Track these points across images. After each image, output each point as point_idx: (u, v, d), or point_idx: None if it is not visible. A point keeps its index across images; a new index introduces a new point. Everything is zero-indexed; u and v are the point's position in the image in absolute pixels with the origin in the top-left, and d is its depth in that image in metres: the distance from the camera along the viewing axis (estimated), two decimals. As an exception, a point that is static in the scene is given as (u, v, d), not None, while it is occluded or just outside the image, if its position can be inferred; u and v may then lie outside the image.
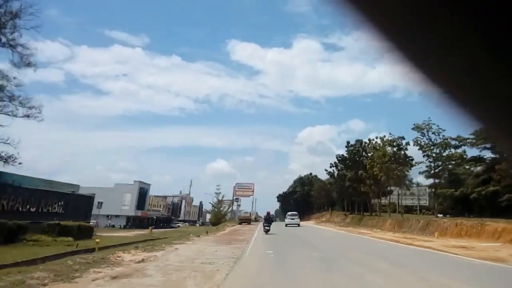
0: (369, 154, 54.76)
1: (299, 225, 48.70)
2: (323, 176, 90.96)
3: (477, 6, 0.60)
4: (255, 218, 72.58)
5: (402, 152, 47.42)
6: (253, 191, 73.89)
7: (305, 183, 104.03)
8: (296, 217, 50.49)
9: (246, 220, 61.61)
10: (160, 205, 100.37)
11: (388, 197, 51.82)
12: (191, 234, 31.14)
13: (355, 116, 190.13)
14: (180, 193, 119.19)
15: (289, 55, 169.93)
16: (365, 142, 54.26)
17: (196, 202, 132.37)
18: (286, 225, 48.13)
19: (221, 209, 65.37)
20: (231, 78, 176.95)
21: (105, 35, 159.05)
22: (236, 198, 72.15)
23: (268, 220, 32.33)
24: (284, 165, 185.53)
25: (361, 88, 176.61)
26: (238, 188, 72.65)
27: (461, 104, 0.72)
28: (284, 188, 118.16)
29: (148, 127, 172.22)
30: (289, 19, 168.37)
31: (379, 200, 54.71)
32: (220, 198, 65.19)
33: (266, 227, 30.96)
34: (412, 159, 48.42)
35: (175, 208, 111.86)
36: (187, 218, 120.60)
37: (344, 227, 50.07)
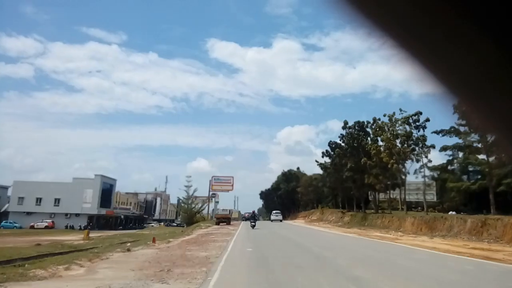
0: (372, 138, 42.63)
1: (281, 220, 57.48)
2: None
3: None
4: (244, 217, 60.41)
5: (421, 131, 35.26)
6: (232, 185, 60.48)
7: (290, 178, 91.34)
8: (279, 214, 60.41)
9: (224, 219, 48.93)
10: (130, 203, 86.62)
11: (403, 188, 39.71)
12: (129, 244, 18.72)
13: (334, 117, 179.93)
14: (155, 190, 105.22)
15: (269, 55, 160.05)
16: (370, 122, 41.89)
17: (174, 201, 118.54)
18: (272, 220, 57.27)
19: (193, 205, 50.98)
20: (210, 76, 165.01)
21: (82, 32, 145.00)
22: (213, 194, 58.70)
23: (254, 217, 37.26)
24: (264, 165, 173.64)
25: (342, 88, 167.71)
26: (215, 182, 58.93)
27: (461, 98, 0.68)
28: (265, 187, 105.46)
29: (125, 126, 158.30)
30: (269, 20, 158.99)
31: (388, 194, 42.50)
32: (190, 193, 50.79)
33: (252, 223, 35.11)
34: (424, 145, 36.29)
35: (148, 206, 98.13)
36: (164, 217, 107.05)
37: (347, 228, 38.07)
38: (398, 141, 36.58)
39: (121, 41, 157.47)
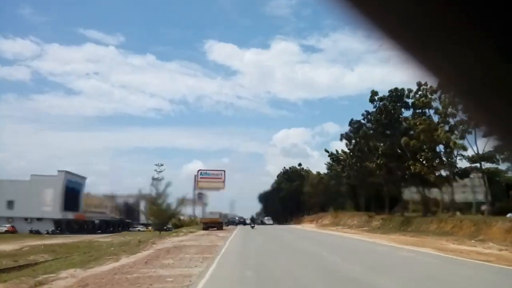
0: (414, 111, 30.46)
1: (272, 224, 59.42)
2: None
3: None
4: (235, 221, 49.07)
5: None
6: (224, 182, 47.05)
7: (292, 177, 78.42)
8: (270, 219, 65.56)
9: (214, 224, 37.89)
10: (106, 206, 73.77)
11: (469, 180, 27.44)
12: None
13: (330, 119, 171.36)
14: (140, 192, 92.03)
15: (267, 56, 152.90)
16: (411, 90, 29.11)
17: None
18: (265, 224, 59.79)
19: (163, 204, 36.43)
20: (209, 78, 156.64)
21: (78, 33, 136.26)
22: (199, 193, 45.99)
23: (253, 221, 44.35)
24: (261, 167, 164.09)
25: (339, 90, 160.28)
26: (201, 178, 45.24)
27: (461, 97, 0.68)
28: (263, 190, 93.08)
29: (124, 128, 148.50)
30: (268, 21, 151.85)
31: (451, 188, 29.79)
32: (160, 189, 35.54)
33: (251, 225, 40.71)
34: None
35: (131, 210, 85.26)
36: (153, 221, 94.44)
37: (382, 234, 26.29)
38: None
39: (118, 43, 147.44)
